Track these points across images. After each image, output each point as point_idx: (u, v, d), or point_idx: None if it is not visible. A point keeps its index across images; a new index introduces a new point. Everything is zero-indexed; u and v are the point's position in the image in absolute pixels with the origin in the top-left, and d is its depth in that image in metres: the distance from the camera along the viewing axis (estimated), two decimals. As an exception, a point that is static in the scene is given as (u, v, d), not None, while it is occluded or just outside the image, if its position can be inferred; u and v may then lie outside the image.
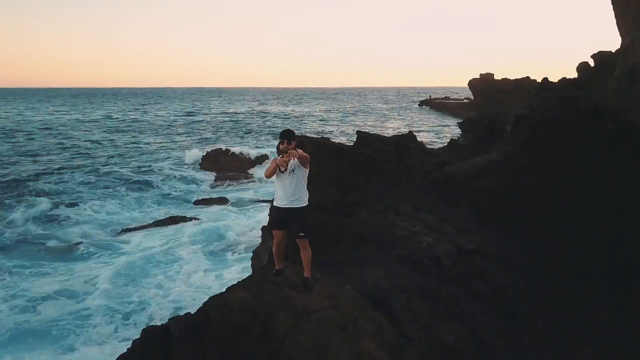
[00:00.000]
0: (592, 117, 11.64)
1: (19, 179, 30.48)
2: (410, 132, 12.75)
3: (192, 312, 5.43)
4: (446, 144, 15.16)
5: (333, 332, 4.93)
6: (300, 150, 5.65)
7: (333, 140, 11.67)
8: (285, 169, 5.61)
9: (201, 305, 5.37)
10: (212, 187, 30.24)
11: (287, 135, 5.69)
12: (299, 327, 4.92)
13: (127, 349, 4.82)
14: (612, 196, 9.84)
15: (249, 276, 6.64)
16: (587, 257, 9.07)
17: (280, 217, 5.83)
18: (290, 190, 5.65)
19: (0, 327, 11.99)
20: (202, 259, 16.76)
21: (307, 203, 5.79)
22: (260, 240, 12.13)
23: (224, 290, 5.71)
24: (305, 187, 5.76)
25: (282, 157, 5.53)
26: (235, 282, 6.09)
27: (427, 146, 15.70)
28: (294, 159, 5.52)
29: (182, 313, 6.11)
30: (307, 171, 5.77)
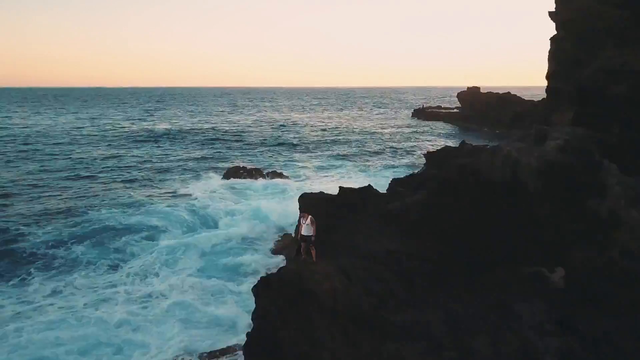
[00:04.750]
0: (472, 176, 20.61)
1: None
2: (369, 185, 21.70)
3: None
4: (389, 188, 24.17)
5: (325, 278, 13.72)
6: (313, 221, 14.60)
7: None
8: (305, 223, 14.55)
9: (274, 272, 14.16)
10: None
11: (304, 210, 14.64)
12: (314, 277, 13.68)
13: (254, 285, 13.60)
14: (482, 224, 18.76)
15: (290, 261, 15.48)
16: (463, 253, 17.97)
17: (303, 238, 14.69)
18: (307, 229, 14.53)
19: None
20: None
21: (313, 234, 14.61)
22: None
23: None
24: (313, 228, 14.61)
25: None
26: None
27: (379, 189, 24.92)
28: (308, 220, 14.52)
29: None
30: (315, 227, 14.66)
